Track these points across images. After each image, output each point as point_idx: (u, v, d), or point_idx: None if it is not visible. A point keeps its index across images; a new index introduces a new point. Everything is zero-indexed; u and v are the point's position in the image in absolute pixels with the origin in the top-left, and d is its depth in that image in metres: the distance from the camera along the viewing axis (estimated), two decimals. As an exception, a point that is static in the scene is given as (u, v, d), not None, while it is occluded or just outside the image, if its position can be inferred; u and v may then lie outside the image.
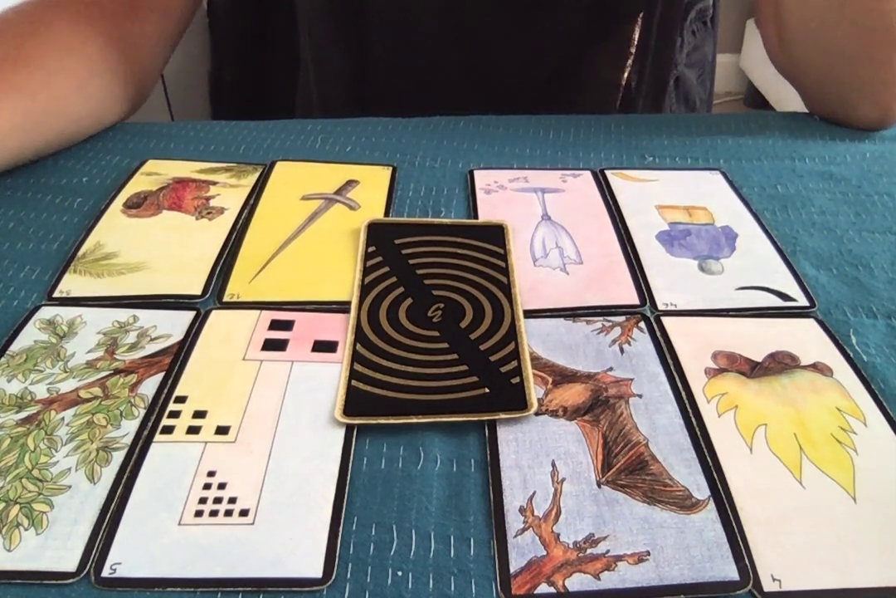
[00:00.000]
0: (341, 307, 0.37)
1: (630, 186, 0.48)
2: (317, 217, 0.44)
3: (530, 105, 0.57)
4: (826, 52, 0.53)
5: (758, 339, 0.36)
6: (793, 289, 0.39)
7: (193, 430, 0.31)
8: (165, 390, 0.33)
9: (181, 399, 0.32)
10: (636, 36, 0.62)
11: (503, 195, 0.47)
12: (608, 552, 0.27)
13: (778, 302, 0.38)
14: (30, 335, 0.35)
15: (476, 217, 0.45)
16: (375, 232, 0.42)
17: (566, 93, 0.65)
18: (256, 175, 0.48)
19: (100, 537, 0.27)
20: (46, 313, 0.37)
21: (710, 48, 0.74)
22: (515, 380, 0.33)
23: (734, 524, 0.27)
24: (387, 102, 0.63)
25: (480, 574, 0.26)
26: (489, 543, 0.27)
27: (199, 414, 0.31)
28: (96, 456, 0.30)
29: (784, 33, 0.54)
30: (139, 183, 0.47)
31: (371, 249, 0.41)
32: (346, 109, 0.65)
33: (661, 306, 0.38)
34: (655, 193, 0.47)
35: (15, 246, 0.42)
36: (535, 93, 0.64)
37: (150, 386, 0.33)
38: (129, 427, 0.31)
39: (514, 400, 0.32)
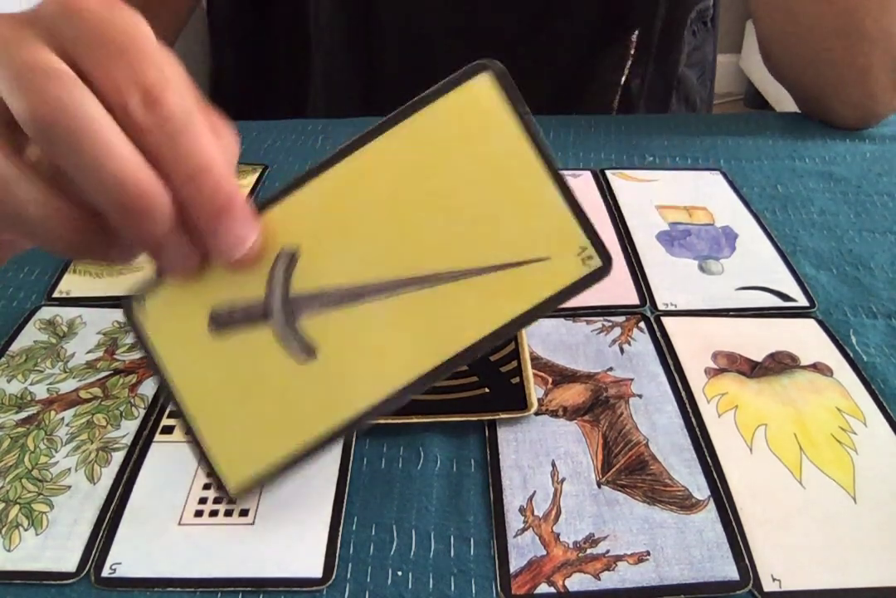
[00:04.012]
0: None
1: (630, 186, 0.48)
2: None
3: (534, 109, 0.57)
4: (792, 56, 0.54)
5: (758, 339, 0.36)
6: (793, 289, 0.39)
7: (193, 430, 0.31)
8: (165, 391, 0.33)
9: (181, 399, 0.32)
10: (635, 38, 0.62)
11: (503, 195, 0.47)
12: (608, 552, 0.27)
13: (778, 302, 0.38)
14: (30, 335, 0.35)
15: (476, 217, 0.45)
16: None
17: (569, 96, 0.65)
18: (256, 175, 0.48)
19: (100, 537, 0.27)
20: (46, 313, 0.37)
21: (710, 48, 0.74)
22: (515, 380, 0.33)
23: (734, 524, 0.27)
24: (396, 107, 0.63)
25: (480, 574, 0.26)
26: (489, 543, 0.27)
27: (199, 414, 0.31)
28: (96, 456, 0.30)
29: (758, 36, 0.55)
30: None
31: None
32: (356, 115, 0.65)
33: (661, 306, 0.38)
34: (655, 193, 0.47)
35: (15, 246, 0.42)
36: (541, 97, 0.64)
37: (149, 386, 0.33)
38: (129, 427, 0.31)
39: (514, 400, 0.32)
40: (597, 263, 0.23)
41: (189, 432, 0.26)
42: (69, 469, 0.29)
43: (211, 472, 0.26)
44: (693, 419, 0.31)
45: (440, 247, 0.24)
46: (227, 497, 0.26)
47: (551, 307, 0.24)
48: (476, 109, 0.24)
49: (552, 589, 0.25)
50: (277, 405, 0.26)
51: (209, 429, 0.26)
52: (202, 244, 0.24)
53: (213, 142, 0.24)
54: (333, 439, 0.25)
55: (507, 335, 0.24)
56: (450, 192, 0.24)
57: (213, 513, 0.28)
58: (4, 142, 0.24)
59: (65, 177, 0.24)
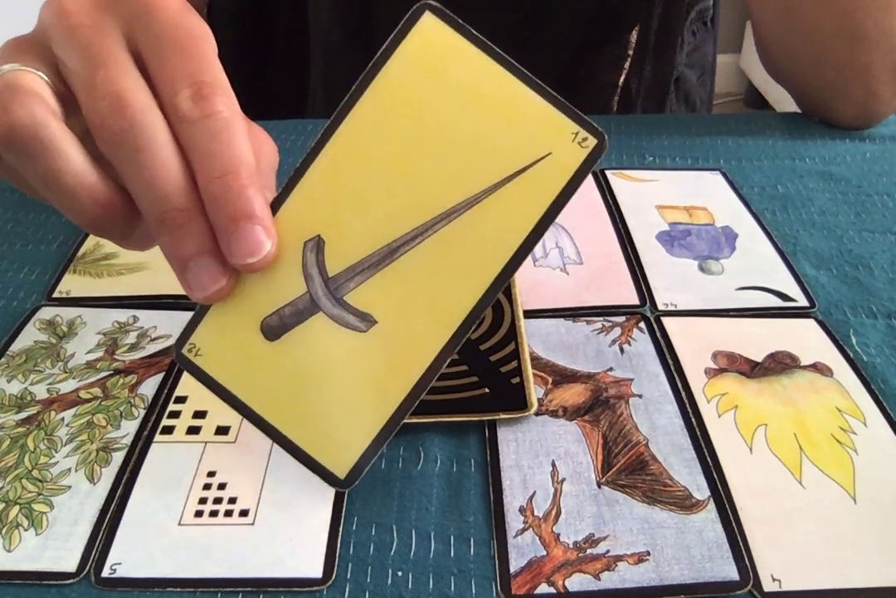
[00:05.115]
0: (341, 307, 0.37)
1: (630, 186, 0.48)
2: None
3: None
4: (793, 56, 0.53)
5: (758, 339, 0.36)
6: (793, 289, 0.39)
7: (193, 430, 0.31)
8: (165, 391, 0.33)
9: (181, 399, 0.32)
10: (634, 38, 0.62)
11: (503, 195, 0.47)
12: (608, 552, 0.27)
13: (778, 302, 0.38)
14: (30, 336, 0.35)
15: (476, 217, 0.45)
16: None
17: (567, 96, 0.65)
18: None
19: (100, 537, 0.27)
20: (46, 313, 0.37)
21: (710, 48, 0.74)
22: (515, 380, 0.33)
23: (734, 524, 0.27)
24: None
25: (480, 574, 0.26)
26: (489, 543, 0.27)
27: (199, 414, 0.31)
28: (96, 456, 0.30)
29: (755, 37, 0.55)
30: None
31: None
32: None
33: (661, 306, 0.38)
34: (655, 193, 0.47)
35: (14, 247, 0.42)
36: None
37: (149, 386, 0.33)
38: (129, 427, 0.31)
39: (514, 400, 0.32)
40: (592, 142, 0.25)
41: (282, 442, 0.27)
42: (69, 469, 0.29)
43: (317, 470, 0.27)
44: (693, 419, 0.32)
45: (451, 180, 0.26)
46: (341, 487, 0.27)
47: (570, 195, 0.25)
48: (433, 47, 0.25)
49: (552, 589, 0.25)
50: (356, 382, 0.27)
51: (298, 432, 0.27)
52: (229, 268, 0.25)
53: (248, 147, 0.25)
54: (421, 390, 0.26)
55: (540, 236, 0.25)
56: (441, 128, 0.26)
57: (213, 513, 0.28)
58: (57, 112, 0.26)
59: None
